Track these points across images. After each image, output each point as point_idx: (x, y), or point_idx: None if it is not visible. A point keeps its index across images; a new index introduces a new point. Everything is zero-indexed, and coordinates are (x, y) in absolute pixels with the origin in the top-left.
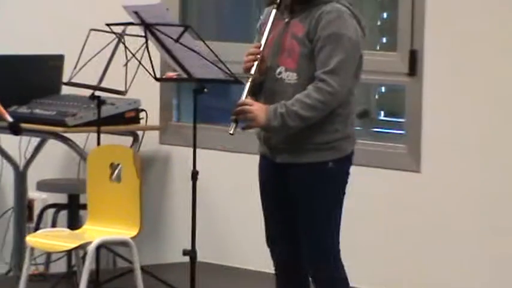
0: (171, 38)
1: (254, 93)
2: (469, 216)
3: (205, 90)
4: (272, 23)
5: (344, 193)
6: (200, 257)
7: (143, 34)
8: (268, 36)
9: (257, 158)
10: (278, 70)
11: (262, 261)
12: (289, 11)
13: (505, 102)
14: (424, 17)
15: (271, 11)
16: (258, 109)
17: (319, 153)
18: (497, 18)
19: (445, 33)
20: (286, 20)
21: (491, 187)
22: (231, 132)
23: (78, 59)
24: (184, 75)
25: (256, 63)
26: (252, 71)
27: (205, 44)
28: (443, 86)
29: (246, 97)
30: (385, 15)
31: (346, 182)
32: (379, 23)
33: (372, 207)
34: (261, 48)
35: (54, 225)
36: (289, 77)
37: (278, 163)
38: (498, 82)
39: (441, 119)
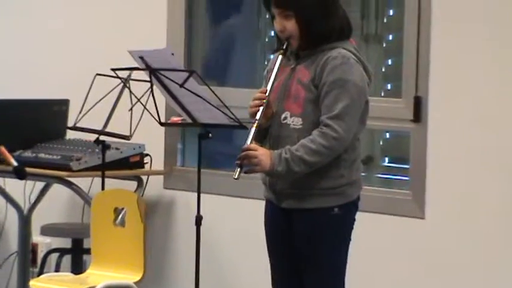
0: (176, 83)
1: (260, 138)
2: (474, 264)
3: (210, 135)
4: (278, 69)
5: (350, 239)
6: None
7: (148, 79)
8: (274, 82)
9: (261, 203)
10: (284, 115)
11: None
12: (295, 57)
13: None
14: (428, 63)
15: (277, 57)
16: (263, 154)
17: (324, 199)
18: (501, 65)
19: (450, 79)
20: (292, 66)
21: (497, 235)
22: (236, 177)
23: (84, 103)
24: (189, 120)
25: (261, 108)
26: (257, 116)
27: (210, 89)
28: (448, 133)
29: (251, 142)
30: (389, 61)
31: (352, 228)
32: (383, 70)
33: (376, 254)
34: (267, 94)
35: (58, 269)
36: (295, 122)
37: (283, 208)
38: (504, 128)
39: (446, 165)
